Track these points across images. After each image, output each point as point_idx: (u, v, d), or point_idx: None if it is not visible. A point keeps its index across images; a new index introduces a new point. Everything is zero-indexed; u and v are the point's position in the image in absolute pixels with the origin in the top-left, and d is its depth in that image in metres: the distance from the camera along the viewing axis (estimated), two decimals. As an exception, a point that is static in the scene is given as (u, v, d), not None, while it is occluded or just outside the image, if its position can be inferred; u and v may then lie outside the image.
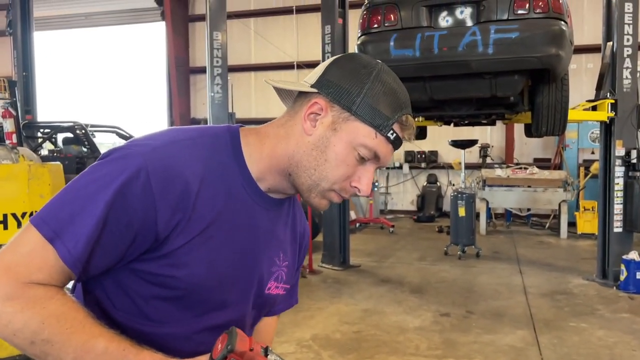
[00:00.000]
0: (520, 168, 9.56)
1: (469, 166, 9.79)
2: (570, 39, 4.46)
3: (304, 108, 0.97)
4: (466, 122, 6.33)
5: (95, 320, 0.84)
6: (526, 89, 4.92)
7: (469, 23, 4.41)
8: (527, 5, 4.22)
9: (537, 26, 4.21)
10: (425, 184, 11.63)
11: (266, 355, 0.83)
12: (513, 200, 9.39)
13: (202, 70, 9.62)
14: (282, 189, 1.02)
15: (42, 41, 12.31)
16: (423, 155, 11.67)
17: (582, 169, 9.80)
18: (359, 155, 0.95)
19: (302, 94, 0.99)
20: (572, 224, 9.02)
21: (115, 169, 0.85)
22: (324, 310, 4.91)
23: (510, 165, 10.41)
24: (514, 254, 7.64)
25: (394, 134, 0.94)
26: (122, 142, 9.53)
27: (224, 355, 0.80)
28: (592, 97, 5.95)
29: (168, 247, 0.89)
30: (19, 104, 5.72)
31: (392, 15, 4.63)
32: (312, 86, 0.96)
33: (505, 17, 4.27)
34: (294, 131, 0.97)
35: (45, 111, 10.88)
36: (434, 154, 11.63)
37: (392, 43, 4.53)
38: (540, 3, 4.22)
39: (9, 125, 4.06)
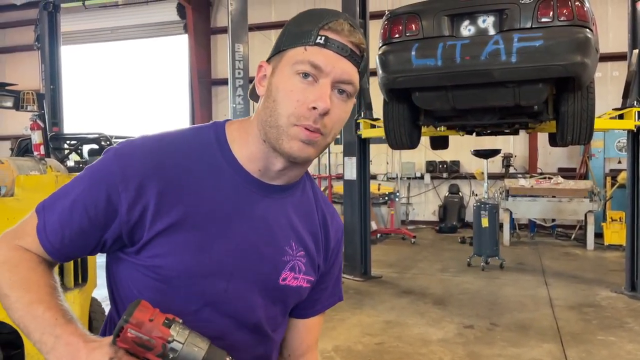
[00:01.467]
0: (545, 178, 9.41)
1: (491, 176, 9.67)
2: (596, 46, 4.39)
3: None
4: (489, 131, 6.27)
5: (53, 290, 0.93)
6: (551, 98, 4.85)
7: (492, 32, 4.37)
8: (551, 13, 4.17)
9: (561, 34, 4.15)
10: (447, 194, 11.52)
11: (169, 327, 0.80)
12: (537, 211, 9.24)
13: (224, 81, 9.73)
14: (274, 165, 0.99)
15: (69, 55, 12.59)
16: (444, 165, 11.57)
17: (608, 178, 9.61)
18: (301, 75, 0.92)
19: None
20: (598, 235, 8.83)
21: (99, 162, 0.96)
22: (346, 322, 4.88)
23: (534, 175, 10.26)
24: (539, 265, 7.50)
25: (323, 37, 0.92)
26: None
27: (120, 326, 0.80)
28: (619, 106, 5.84)
29: (143, 233, 0.93)
30: (46, 117, 5.83)
31: (413, 25, 4.63)
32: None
33: (528, 25, 4.22)
34: (257, 106, 1.00)
35: (71, 123, 11.11)
36: (456, 163, 11.53)
37: (413, 52, 4.52)
38: (565, 11, 4.17)
39: (37, 137, 4.14)
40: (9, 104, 4.05)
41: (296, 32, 0.94)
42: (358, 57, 0.95)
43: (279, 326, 1.11)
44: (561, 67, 4.17)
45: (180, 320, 0.83)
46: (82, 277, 4.15)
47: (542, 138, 10.72)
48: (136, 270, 0.97)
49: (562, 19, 4.20)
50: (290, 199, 1.06)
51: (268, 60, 0.98)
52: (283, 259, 1.03)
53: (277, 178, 1.02)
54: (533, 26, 4.22)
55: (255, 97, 1.02)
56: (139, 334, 0.79)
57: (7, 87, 4.11)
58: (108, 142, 7.65)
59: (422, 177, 11.76)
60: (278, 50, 0.96)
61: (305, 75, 0.91)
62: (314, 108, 0.91)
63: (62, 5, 9.85)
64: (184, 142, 0.99)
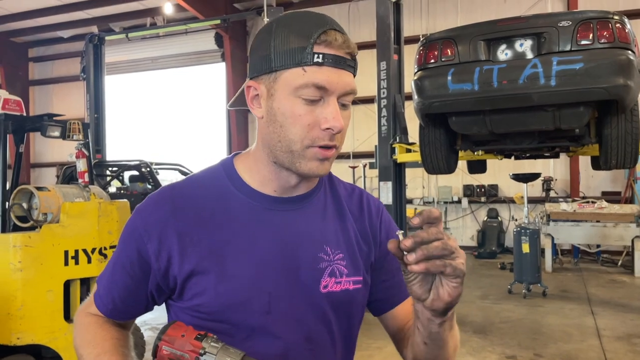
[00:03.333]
0: (588, 202, 9.13)
1: (531, 200, 9.44)
2: (639, 68, 4.28)
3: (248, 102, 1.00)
4: (528, 155, 6.15)
5: (117, 341, 1.02)
6: (593, 121, 4.73)
7: (529, 55, 4.32)
8: (591, 36, 4.10)
9: (602, 56, 4.07)
10: (485, 218, 11.29)
11: (201, 341, 0.83)
12: (580, 236, 8.94)
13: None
14: (289, 182, 1.00)
15: (112, 84, 13.06)
16: (482, 189, 11.37)
17: (656, 202, 9.25)
18: (305, 100, 0.91)
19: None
20: (647, 262, 8.46)
21: (127, 222, 1.02)
22: (383, 350, 4.79)
23: (576, 199, 9.96)
24: (584, 293, 7.22)
25: (320, 55, 0.89)
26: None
27: (155, 345, 0.84)
28: (665, 128, 5.64)
29: (176, 277, 0.96)
30: (91, 145, 6.04)
31: (449, 50, 4.62)
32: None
33: (568, 48, 4.16)
34: (258, 127, 1.01)
35: (114, 150, 11.46)
36: (494, 187, 11.31)
37: (449, 77, 4.50)
38: (605, 33, 4.09)
39: (81, 165, 4.27)
40: (57, 133, 4.20)
41: (287, 51, 0.90)
42: (353, 63, 0.95)
43: (344, 331, 1.06)
44: (603, 90, 4.07)
45: (214, 336, 0.85)
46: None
47: (584, 161, 10.44)
48: (183, 313, 0.99)
49: (602, 41, 4.12)
50: (315, 203, 1.05)
51: (256, 79, 0.96)
52: (319, 266, 1.00)
53: (295, 190, 1.02)
54: (572, 49, 4.15)
55: (236, 105, 1.04)
56: (172, 350, 0.83)
57: (54, 118, 4.26)
58: (148, 169, 7.84)
59: (459, 202, 11.57)
60: (269, 69, 0.93)
61: (313, 100, 0.91)
62: (328, 128, 0.91)
63: (107, 37, 10.26)
64: (195, 183, 1.03)
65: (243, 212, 0.99)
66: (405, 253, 0.79)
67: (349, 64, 0.93)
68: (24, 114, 4.27)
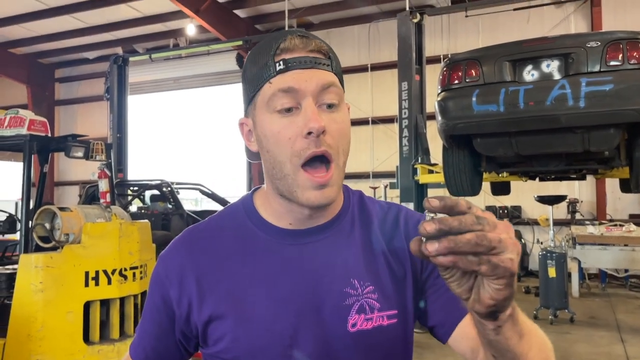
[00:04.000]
0: (615, 225, 8.89)
1: (556, 222, 9.23)
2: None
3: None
4: (553, 176, 6.02)
5: None
6: (623, 143, 4.61)
7: (557, 76, 4.24)
8: (621, 56, 4.01)
9: (633, 77, 3.97)
10: (508, 240, 11.06)
11: None
12: (608, 260, 8.67)
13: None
14: (302, 214, 0.91)
15: (134, 104, 13.24)
16: (505, 211, 11.16)
17: (686, 226, 8.96)
18: (280, 112, 0.85)
19: None
20: (678, 287, 8.18)
21: (153, 270, 1.01)
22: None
23: (603, 222, 9.72)
24: (613, 319, 6.98)
25: (281, 61, 0.85)
26: (204, 198, 9.93)
27: None
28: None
29: (197, 323, 0.92)
30: (113, 165, 6.09)
31: (473, 71, 4.56)
32: None
33: (597, 69, 4.07)
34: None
35: (135, 169, 11.57)
36: (517, 209, 11.11)
37: (474, 98, 4.43)
38: (635, 54, 4.00)
39: (103, 185, 4.29)
40: (80, 154, 4.23)
41: (255, 73, 0.88)
42: (325, 60, 0.87)
43: None
44: (634, 112, 3.97)
45: None
46: (133, 327, 4.20)
47: (611, 182, 10.21)
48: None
49: (632, 62, 4.03)
50: (339, 231, 0.95)
51: (245, 115, 0.94)
52: (345, 303, 0.89)
53: (314, 220, 0.93)
54: (602, 70, 4.06)
55: (253, 156, 0.97)
56: None
57: (78, 138, 4.30)
58: (169, 189, 7.87)
59: (481, 223, 11.36)
60: (248, 100, 0.91)
61: (287, 110, 0.85)
62: (309, 133, 0.83)
63: (131, 58, 10.43)
64: (215, 223, 0.99)
65: (260, 249, 0.93)
66: (423, 240, 0.63)
67: (318, 62, 0.86)
68: (49, 134, 4.31)
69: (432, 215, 0.63)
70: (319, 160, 0.85)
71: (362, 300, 0.90)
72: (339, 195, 0.91)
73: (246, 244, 0.94)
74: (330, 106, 0.87)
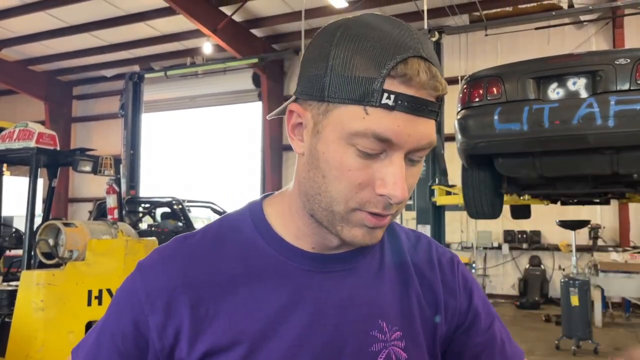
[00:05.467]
0: (640, 252, 8.57)
1: (578, 248, 8.93)
2: None
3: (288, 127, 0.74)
4: (575, 200, 5.78)
5: None
6: (653, 166, 4.38)
7: (584, 95, 4.04)
8: (652, 74, 3.81)
9: (666, 96, 3.77)
10: (527, 266, 10.75)
11: None
12: (633, 289, 8.33)
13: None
14: (330, 240, 0.75)
15: (149, 121, 13.27)
16: (524, 235, 10.87)
17: None
18: (360, 151, 0.66)
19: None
20: None
21: (125, 280, 0.79)
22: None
23: (627, 248, 9.39)
24: None
25: (392, 95, 0.63)
26: (216, 217, 9.79)
27: None
28: None
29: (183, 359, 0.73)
30: (122, 181, 6.01)
31: (495, 89, 4.38)
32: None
33: (626, 87, 3.87)
34: (297, 164, 0.75)
35: (149, 186, 11.51)
36: (537, 234, 10.81)
37: (496, 117, 4.25)
38: (668, 71, 3.80)
39: (112, 201, 4.18)
40: (88, 168, 4.13)
41: (347, 78, 0.65)
42: (436, 105, 0.67)
43: None
44: (667, 132, 3.75)
45: None
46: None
47: (635, 208, 9.89)
48: None
49: (664, 80, 3.83)
50: (368, 262, 0.80)
51: (302, 103, 0.71)
52: (370, 349, 0.75)
53: (340, 248, 0.78)
54: (632, 88, 3.86)
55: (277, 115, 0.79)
56: None
57: (86, 152, 4.20)
58: (180, 206, 7.76)
59: (499, 247, 11.08)
60: (321, 97, 0.67)
61: (369, 153, 0.67)
62: (383, 195, 0.67)
63: (147, 75, 10.46)
64: (215, 236, 0.79)
65: (272, 274, 0.75)
66: None
67: (431, 108, 0.66)
68: (58, 148, 4.22)
69: None
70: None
71: (390, 348, 0.76)
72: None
73: (255, 265, 0.76)
74: (413, 161, 0.70)
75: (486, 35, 8.52)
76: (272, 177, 12.78)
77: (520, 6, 10.45)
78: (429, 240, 0.89)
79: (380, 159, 0.67)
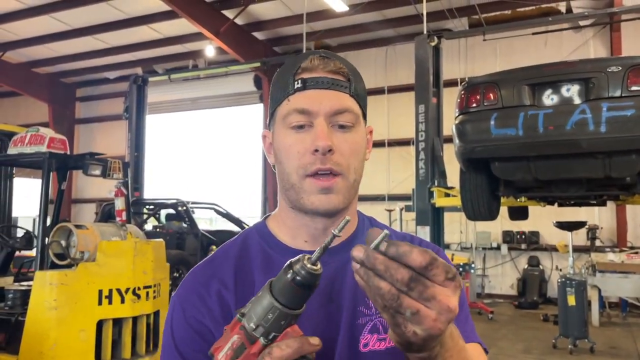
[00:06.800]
0: (637, 252, 8.69)
1: (575, 249, 9.06)
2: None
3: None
4: (572, 202, 5.91)
5: None
6: (645, 169, 4.51)
7: (577, 101, 4.18)
8: (643, 81, 3.95)
9: (656, 103, 3.90)
10: (526, 266, 10.87)
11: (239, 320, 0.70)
12: (629, 289, 8.46)
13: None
14: (315, 227, 0.92)
15: (152, 123, 13.41)
16: (523, 236, 10.99)
17: None
18: (294, 128, 0.89)
19: None
20: (703, 318, 7.92)
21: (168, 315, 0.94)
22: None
23: (624, 249, 9.51)
24: (634, 350, 6.78)
25: (300, 80, 0.89)
26: (219, 218, 9.93)
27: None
28: None
29: None
30: (129, 184, 6.13)
31: (491, 95, 4.52)
32: None
33: (618, 94, 4.01)
34: None
35: (152, 188, 11.65)
36: (535, 234, 10.93)
37: (492, 122, 4.39)
38: (658, 78, 3.93)
39: (120, 204, 4.30)
40: (97, 172, 4.26)
41: (277, 89, 0.92)
42: (343, 82, 0.90)
43: None
44: (657, 138, 3.88)
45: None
46: (153, 344, 4.16)
47: (632, 209, 10.02)
48: None
49: (655, 86, 3.96)
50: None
51: (269, 129, 0.98)
52: (357, 322, 0.89)
53: (326, 237, 0.91)
54: (623, 95, 4.00)
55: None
56: (222, 351, 0.71)
57: (96, 157, 4.33)
58: (184, 208, 7.89)
59: (498, 248, 11.20)
60: (271, 115, 0.95)
61: (300, 127, 0.88)
62: (316, 150, 0.86)
63: (150, 78, 10.59)
64: (231, 253, 0.96)
65: (273, 268, 0.92)
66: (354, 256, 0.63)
67: (336, 83, 0.89)
68: (68, 152, 4.35)
69: (388, 233, 0.63)
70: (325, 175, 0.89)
71: (376, 320, 0.90)
72: (347, 207, 0.91)
73: (264, 271, 0.92)
74: (343, 126, 0.89)
75: (484, 40, 8.64)
76: (273, 178, 12.87)
77: (519, 10, 10.58)
78: (413, 237, 1.05)
79: (310, 131, 0.88)
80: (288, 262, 0.68)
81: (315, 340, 0.68)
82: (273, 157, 0.95)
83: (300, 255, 0.68)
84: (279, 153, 0.91)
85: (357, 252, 0.63)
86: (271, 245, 0.95)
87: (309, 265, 0.66)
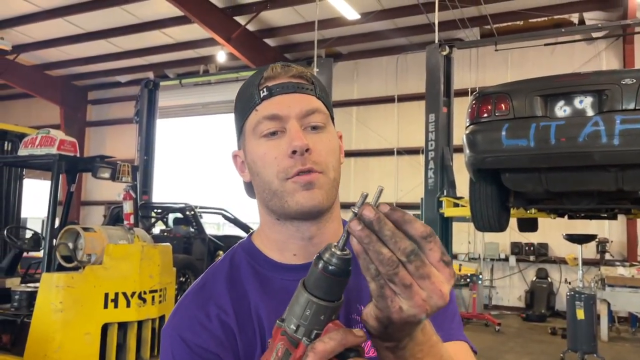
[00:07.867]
0: (647, 267, 8.58)
1: (585, 262, 8.96)
2: None
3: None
4: (582, 214, 5.85)
5: None
6: (658, 183, 4.45)
7: (590, 113, 4.14)
8: (657, 94, 3.90)
9: (670, 116, 3.85)
10: (534, 278, 10.77)
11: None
12: (639, 303, 8.36)
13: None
14: (302, 235, 0.90)
15: (162, 127, 13.45)
16: (531, 248, 10.90)
17: None
18: (266, 136, 0.87)
19: None
20: None
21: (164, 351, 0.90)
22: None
23: (634, 263, 9.40)
24: (645, 367, 6.67)
25: (265, 89, 0.89)
26: (226, 223, 9.94)
27: None
28: None
29: None
30: (138, 187, 6.14)
31: (503, 105, 4.49)
32: None
33: (632, 106, 3.96)
34: None
35: (161, 192, 11.67)
36: (544, 246, 10.84)
37: (504, 133, 4.35)
38: (673, 92, 3.89)
39: (128, 207, 4.31)
40: (106, 175, 4.27)
41: (243, 103, 0.92)
42: (308, 85, 0.91)
43: None
44: (671, 151, 3.83)
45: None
46: (158, 348, 4.14)
47: (642, 223, 9.91)
48: None
49: (669, 100, 3.91)
50: None
51: (238, 148, 0.96)
52: (352, 317, 0.89)
53: (315, 248, 0.89)
54: (637, 107, 3.95)
55: (250, 190, 0.97)
56: None
57: (105, 160, 4.34)
58: (192, 212, 7.89)
59: (506, 259, 11.11)
60: (239, 132, 0.94)
61: (272, 133, 0.87)
62: (293, 152, 0.85)
63: (161, 83, 10.64)
64: (221, 276, 0.93)
65: (270, 293, 0.90)
66: (355, 210, 0.62)
67: (301, 86, 0.90)
68: (78, 154, 4.37)
69: (382, 188, 0.64)
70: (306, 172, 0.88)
71: None
72: (326, 203, 0.88)
73: (255, 292, 0.90)
74: (315, 128, 0.89)
75: (496, 50, 8.62)
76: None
77: (531, 20, 10.54)
78: None
79: (283, 136, 0.87)
80: (317, 255, 0.66)
81: (359, 332, 0.66)
82: (248, 175, 0.93)
83: (327, 244, 0.67)
84: (254, 165, 0.89)
85: (368, 212, 0.62)
86: (260, 264, 0.93)
87: (338, 252, 0.65)
